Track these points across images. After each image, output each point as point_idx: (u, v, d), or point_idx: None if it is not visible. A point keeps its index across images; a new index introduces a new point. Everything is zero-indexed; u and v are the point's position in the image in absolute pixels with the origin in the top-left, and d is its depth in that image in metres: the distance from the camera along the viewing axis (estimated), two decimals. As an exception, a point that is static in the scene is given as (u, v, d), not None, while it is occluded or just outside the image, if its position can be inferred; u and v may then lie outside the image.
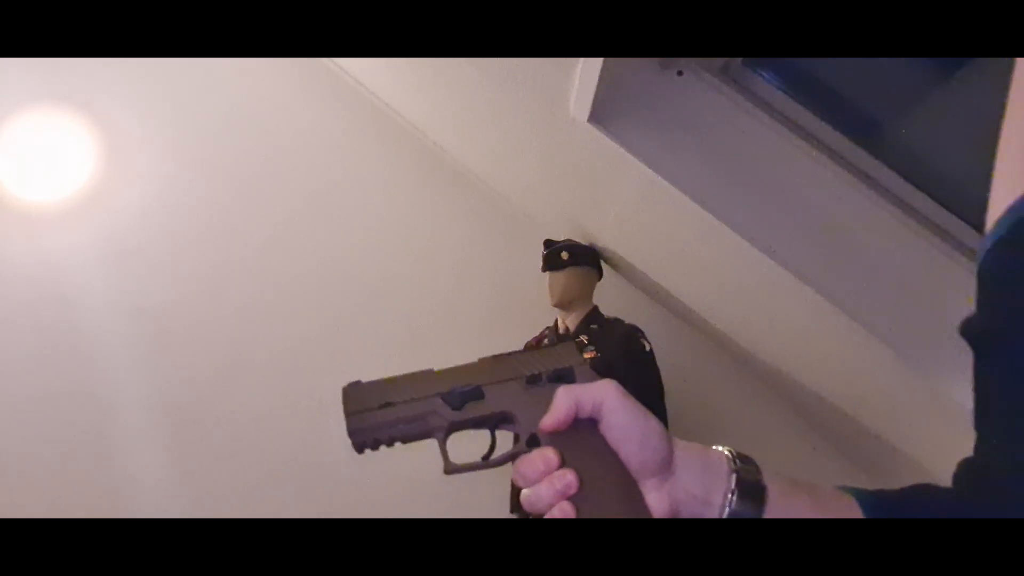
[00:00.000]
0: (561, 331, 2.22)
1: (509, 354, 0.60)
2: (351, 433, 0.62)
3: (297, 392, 2.45)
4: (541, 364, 0.58)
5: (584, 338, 2.12)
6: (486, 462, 0.60)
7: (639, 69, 1.44)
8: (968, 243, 1.41)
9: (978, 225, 1.40)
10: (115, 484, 2.37)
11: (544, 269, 2.21)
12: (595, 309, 2.21)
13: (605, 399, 0.54)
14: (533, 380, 0.58)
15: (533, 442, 0.56)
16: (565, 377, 0.58)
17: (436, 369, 0.60)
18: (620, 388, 0.54)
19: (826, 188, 1.43)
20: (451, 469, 0.60)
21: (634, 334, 2.11)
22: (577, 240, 2.30)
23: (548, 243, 2.25)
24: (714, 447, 0.55)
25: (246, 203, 2.57)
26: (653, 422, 0.54)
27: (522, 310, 2.30)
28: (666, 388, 2.05)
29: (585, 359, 0.59)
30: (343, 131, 2.63)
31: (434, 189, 2.62)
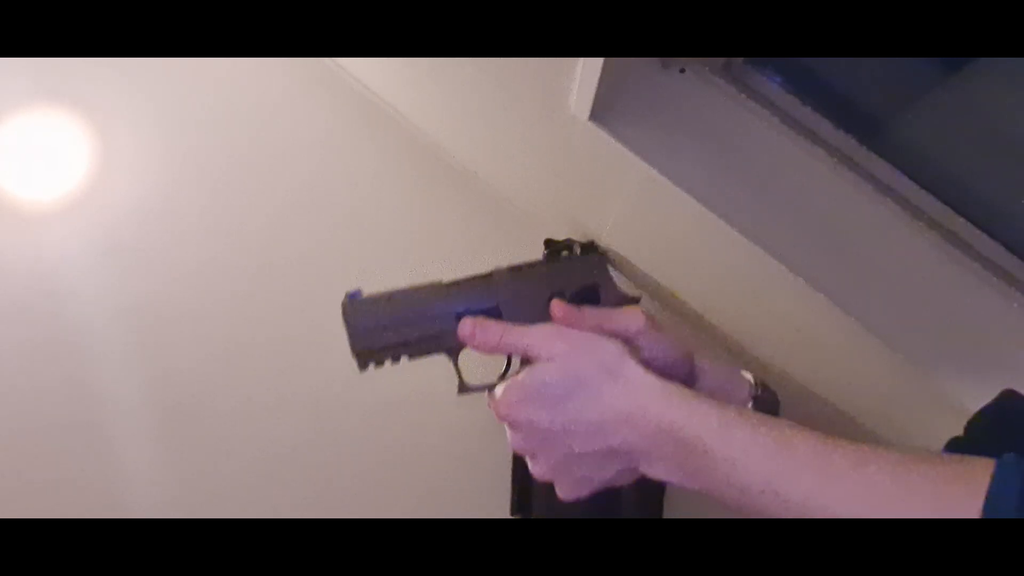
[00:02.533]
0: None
1: (528, 265, 0.55)
2: (357, 353, 0.57)
3: (295, 388, 2.44)
4: (563, 281, 0.53)
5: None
6: (502, 381, 0.56)
7: (641, 67, 1.44)
8: (973, 243, 1.40)
9: (983, 225, 1.40)
10: (111, 482, 2.37)
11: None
12: (596, 309, 2.21)
13: (639, 333, 0.52)
14: (557, 299, 0.53)
15: None
16: (589, 297, 0.53)
17: (445, 281, 0.55)
18: (650, 318, 0.52)
19: (829, 187, 1.43)
20: (465, 389, 0.56)
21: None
22: (577, 239, 2.29)
23: (548, 242, 2.24)
24: (742, 372, 0.55)
25: (243, 201, 2.57)
26: (678, 349, 0.53)
27: (522, 310, 2.30)
28: (667, 388, 2.04)
29: (610, 275, 0.53)
30: (340, 128, 2.62)
31: (433, 188, 2.61)
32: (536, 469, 0.52)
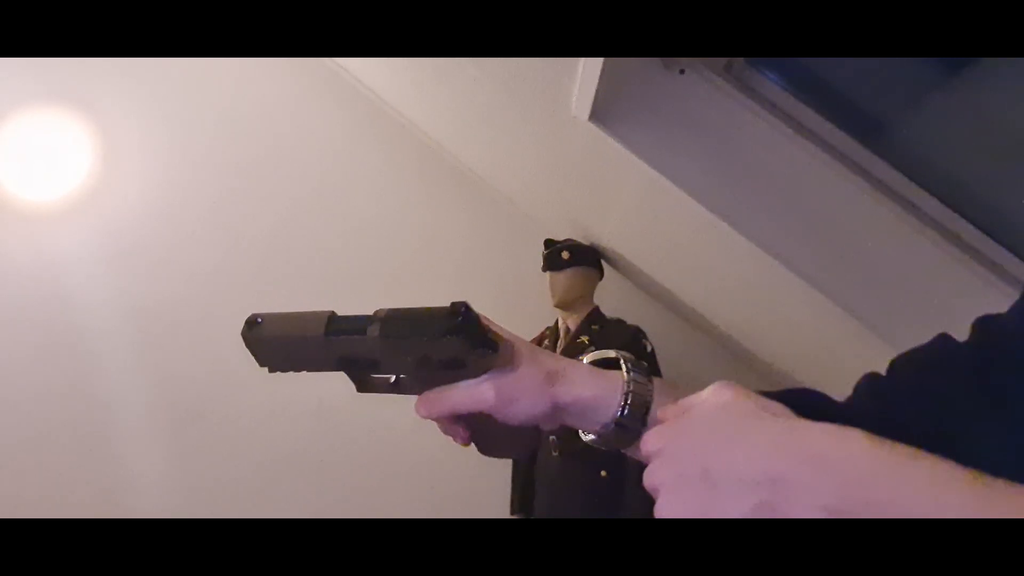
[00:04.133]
0: (562, 331, 2.22)
1: (405, 317, 0.54)
2: (262, 365, 0.61)
3: (297, 391, 2.44)
4: (434, 350, 0.54)
5: (585, 339, 2.12)
6: (395, 386, 0.59)
7: (641, 67, 1.44)
8: (973, 242, 1.40)
9: (982, 224, 1.40)
10: (114, 483, 2.37)
11: (545, 269, 2.21)
12: (596, 309, 2.21)
13: (490, 410, 0.55)
14: (423, 363, 0.55)
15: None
16: (454, 365, 0.55)
17: (337, 314, 0.57)
18: (502, 389, 0.54)
19: (829, 187, 1.43)
20: (363, 389, 0.60)
21: (636, 334, 2.11)
22: (578, 240, 2.29)
23: (549, 243, 2.24)
24: (613, 370, 0.56)
25: (245, 202, 2.57)
26: (538, 405, 0.55)
27: (523, 310, 2.30)
28: (667, 388, 2.04)
29: (477, 344, 0.54)
30: (343, 130, 2.63)
31: (435, 188, 2.62)
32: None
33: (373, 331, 0.54)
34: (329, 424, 2.45)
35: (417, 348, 0.54)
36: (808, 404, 0.51)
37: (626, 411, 0.55)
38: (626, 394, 0.55)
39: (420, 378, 0.56)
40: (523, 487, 2.18)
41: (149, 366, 2.44)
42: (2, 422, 2.38)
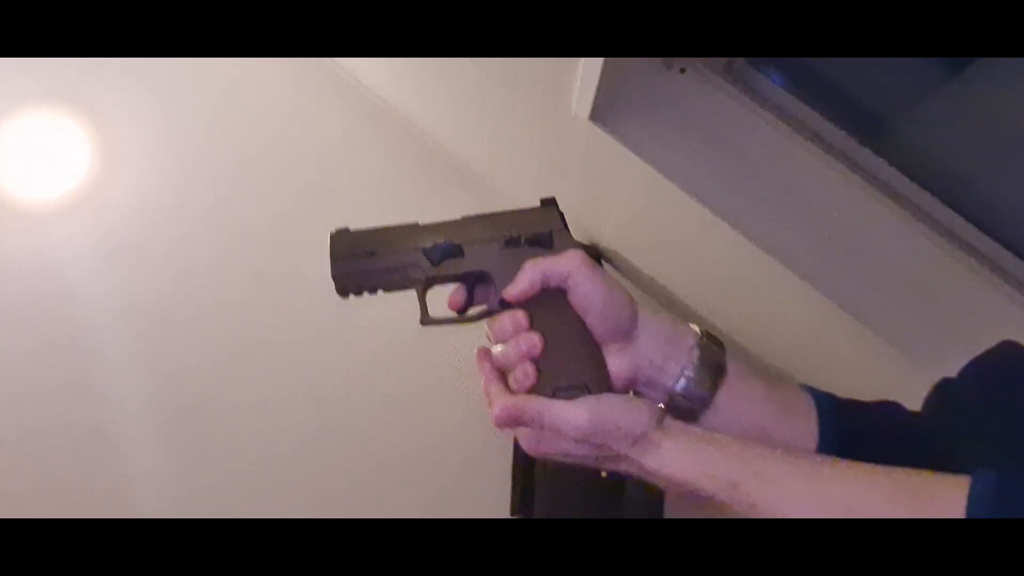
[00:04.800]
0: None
1: (493, 214, 0.60)
2: (335, 278, 0.63)
3: (297, 389, 2.45)
4: (521, 227, 0.59)
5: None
6: (461, 316, 0.60)
7: (642, 67, 1.44)
8: (973, 242, 1.40)
9: (983, 224, 1.40)
10: (114, 481, 2.37)
11: (545, 268, 2.20)
12: (596, 309, 2.21)
13: (572, 271, 0.55)
14: (512, 242, 0.58)
15: (505, 303, 0.57)
16: (543, 242, 0.58)
17: (421, 223, 0.63)
18: (586, 259, 0.57)
19: (830, 187, 1.43)
20: (427, 321, 0.61)
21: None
22: (578, 239, 2.29)
23: (549, 243, 2.24)
24: (688, 324, 0.57)
25: (244, 200, 2.57)
26: (617, 292, 0.56)
27: (523, 309, 2.30)
28: (668, 388, 2.04)
29: (564, 225, 0.59)
30: (341, 128, 2.62)
31: (434, 187, 2.61)
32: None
33: (467, 218, 0.60)
34: (329, 423, 2.45)
35: (509, 222, 0.58)
36: (893, 412, 0.52)
37: (702, 347, 0.54)
38: (699, 335, 0.56)
39: (505, 266, 0.57)
40: (523, 487, 2.18)
41: (148, 363, 2.44)
42: (1, 419, 2.38)
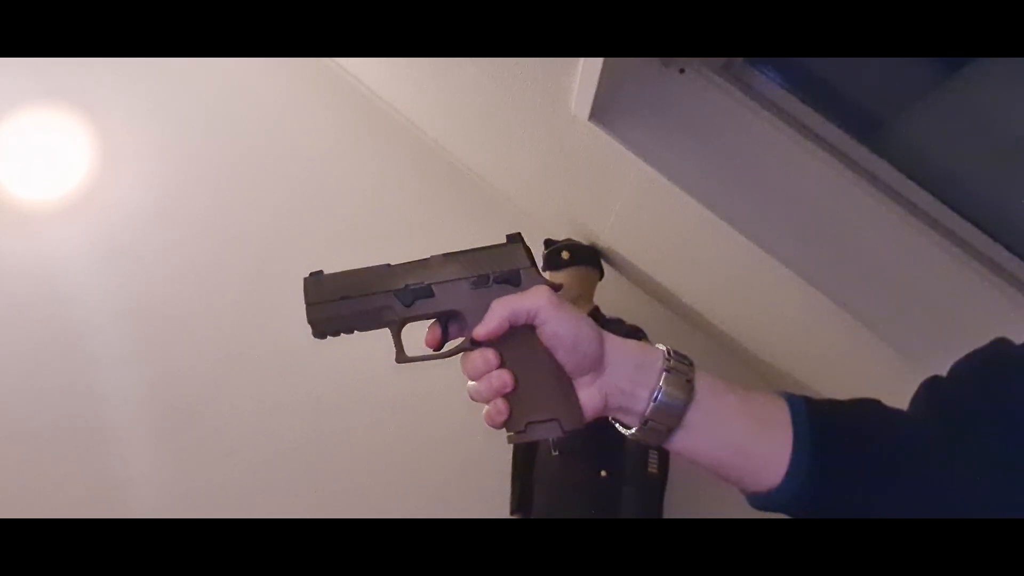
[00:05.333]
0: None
1: (462, 252, 0.62)
2: (311, 323, 0.64)
3: (293, 389, 2.45)
4: (489, 265, 0.61)
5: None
6: (436, 353, 0.62)
7: (641, 67, 1.44)
8: (971, 241, 1.40)
9: (981, 223, 1.40)
10: (110, 482, 2.37)
11: (544, 269, 2.20)
12: (596, 309, 2.21)
13: (539, 309, 0.57)
14: (480, 282, 0.60)
15: (477, 342, 0.59)
16: (511, 280, 0.60)
17: (392, 263, 0.63)
18: (552, 296, 0.58)
19: (828, 186, 1.43)
20: (403, 359, 0.63)
21: (635, 334, 2.11)
22: (578, 239, 2.29)
23: (548, 243, 2.24)
24: (656, 345, 0.57)
25: (242, 201, 2.57)
26: (584, 327, 0.57)
27: (523, 309, 2.30)
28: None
29: (531, 262, 0.61)
30: (341, 128, 2.62)
31: (433, 187, 2.62)
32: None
33: (436, 257, 0.61)
34: (327, 423, 2.45)
35: (478, 261, 0.60)
36: (872, 412, 0.52)
37: (670, 369, 0.55)
38: (667, 357, 0.56)
39: (475, 305, 0.59)
40: (523, 487, 2.18)
41: (145, 363, 2.44)
42: (0, 419, 2.38)
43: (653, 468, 2.04)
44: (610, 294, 2.33)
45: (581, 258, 2.20)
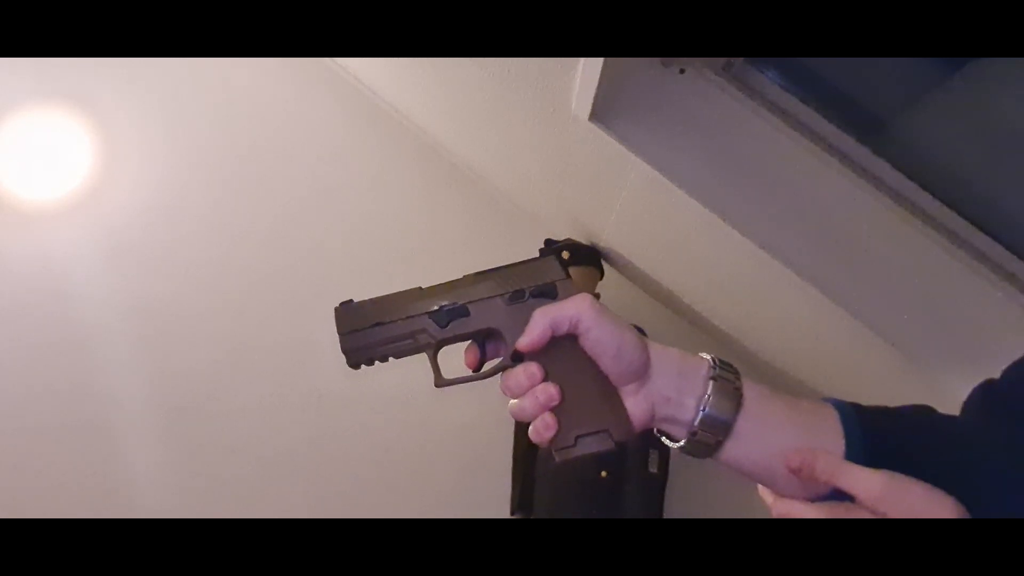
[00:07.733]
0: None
1: (494, 269, 0.61)
2: (346, 352, 0.63)
3: (297, 388, 2.45)
4: (524, 280, 0.60)
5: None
6: (476, 374, 0.60)
7: (641, 67, 1.44)
8: (971, 241, 1.40)
9: (981, 223, 1.40)
10: (114, 481, 2.37)
11: (545, 268, 2.20)
12: (596, 309, 2.21)
13: (581, 317, 0.55)
14: (516, 297, 0.59)
15: (518, 356, 0.57)
16: (547, 293, 0.59)
17: (424, 287, 0.61)
18: (594, 302, 0.57)
19: (829, 186, 1.43)
20: (442, 383, 0.61)
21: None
22: (578, 239, 2.29)
23: (549, 242, 2.24)
24: (699, 354, 0.56)
25: (244, 200, 2.57)
26: (628, 333, 0.55)
27: (523, 309, 2.30)
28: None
29: (566, 274, 0.59)
30: (342, 128, 2.63)
31: (434, 187, 2.62)
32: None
33: (468, 277, 0.60)
34: (329, 422, 2.45)
35: (512, 277, 0.59)
36: (926, 418, 0.51)
37: (716, 377, 0.54)
38: (713, 366, 0.55)
39: (513, 321, 0.58)
40: (523, 487, 2.18)
41: (149, 363, 2.44)
42: (2, 419, 2.38)
43: (653, 468, 2.04)
44: (610, 294, 2.33)
45: (582, 258, 2.20)
